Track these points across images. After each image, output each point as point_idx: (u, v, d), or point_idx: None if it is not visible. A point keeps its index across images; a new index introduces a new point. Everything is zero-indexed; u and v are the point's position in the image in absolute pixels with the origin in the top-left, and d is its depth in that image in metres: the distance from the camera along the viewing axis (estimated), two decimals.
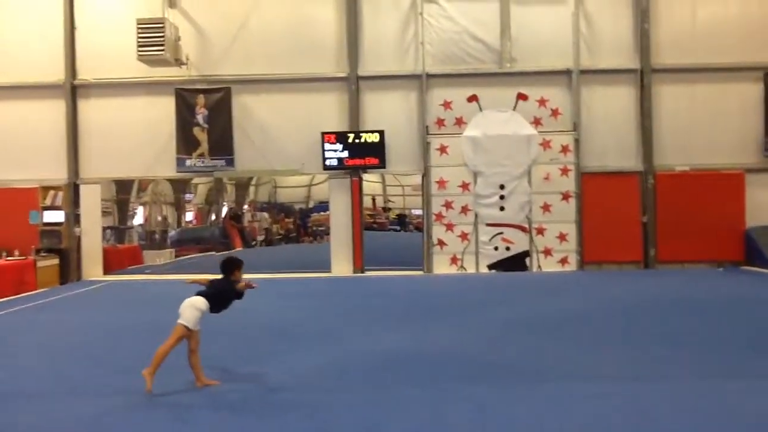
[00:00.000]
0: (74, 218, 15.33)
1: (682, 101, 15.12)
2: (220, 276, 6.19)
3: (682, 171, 14.98)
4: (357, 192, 15.19)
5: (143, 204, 22.26)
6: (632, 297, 10.95)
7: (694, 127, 15.04)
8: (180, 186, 22.56)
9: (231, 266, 6.17)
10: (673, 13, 15.16)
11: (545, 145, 14.96)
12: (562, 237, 14.89)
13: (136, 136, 15.26)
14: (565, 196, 14.94)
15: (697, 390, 5.54)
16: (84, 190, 15.44)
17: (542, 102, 15.10)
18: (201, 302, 5.95)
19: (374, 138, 14.93)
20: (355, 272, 14.99)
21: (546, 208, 14.91)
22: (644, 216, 14.91)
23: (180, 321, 5.89)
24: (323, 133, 14.93)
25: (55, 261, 14.44)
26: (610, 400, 5.27)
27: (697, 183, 14.82)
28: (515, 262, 14.90)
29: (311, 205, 28.33)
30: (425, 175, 15.18)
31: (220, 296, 6.07)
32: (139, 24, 14.26)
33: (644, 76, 15.02)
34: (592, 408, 5.10)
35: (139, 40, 14.22)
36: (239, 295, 6.14)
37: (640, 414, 4.93)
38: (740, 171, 14.92)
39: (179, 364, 6.12)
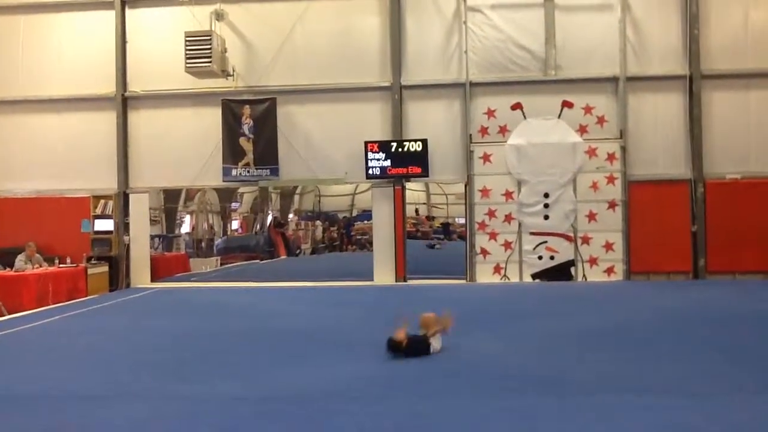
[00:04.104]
0: (123, 227, 15.74)
1: (732, 108, 14.76)
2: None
3: (733, 179, 14.60)
4: (400, 201, 15.22)
5: (190, 213, 22.71)
6: (681, 308, 10.66)
7: (745, 134, 14.67)
8: (226, 195, 22.95)
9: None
10: (724, 18, 14.84)
11: (591, 153, 14.77)
12: (608, 246, 14.65)
13: (183, 147, 15.62)
14: (611, 205, 14.70)
15: (749, 407, 5.37)
16: (133, 199, 15.86)
17: (588, 110, 14.91)
18: None
19: (417, 147, 14.96)
20: (397, 281, 15.00)
21: (592, 216, 14.70)
22: (694, 225, 14.57)
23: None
24: (366, 142, 15.02)
25: (105, 268, 14.81)
26: (660, 414, 5.14)
27: (748, 191, 14.44)
28: (560, 272, 14.71)
29: (355, 213, 28.46)
30: (468, 184, 15.13)
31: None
32: (187, 37, 14.62)
33: (693, 83, 14.71)
34: (640, 422, 4.98)
35: (187, 52, 14.57)
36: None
37: (689, 430, 4.81)
38: None
39: (222, 371, 6.20)
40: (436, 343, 7.38)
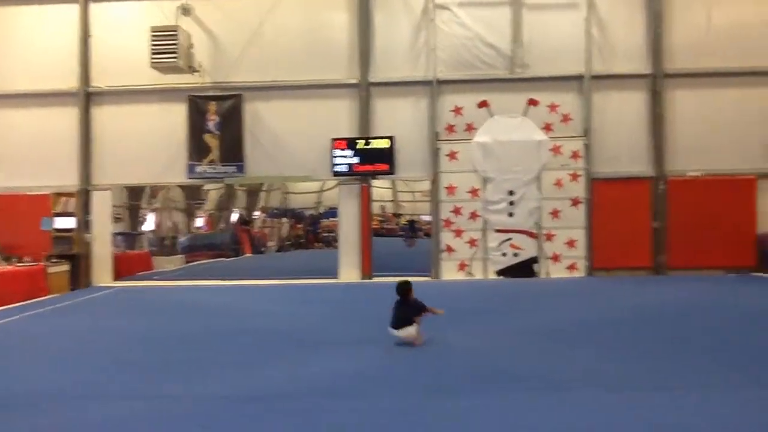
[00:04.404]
0: (85, 224, 15.53)
1: (694, 106, 15.02)
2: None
3: (694, 176, 14.86)
4: (366, 198, 15.24)
5: (154, 210, 22.50)
6: (642, 304, 10.83)
7: (706, 132, 14.92)
8: (191, 192, 22.78)
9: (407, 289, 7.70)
10: (687, 18, 15.08)
11: (555, 150, 14.92)
12: (571, 243, 14.84)
13: (147, 143, 15.44)
14: (575, 202, 14.88)
15: (711, 399, 5.48)
16: (95, 197, 15.65)
17: (553, 107, 15.06)
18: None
19: (384, 144, 14.98)
20: (363, 278, 15.02)
21: (555, 214, 14.86)
22: (655, 222, 14.80)
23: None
24: (333, 140, 15.00)
25: (66, 267, 14.55)
26: (625, 409, 5.23)
27: (708, 188, 14.72)
28: (523, 269, 14.86)
29: (321, 211, 28.41)
30: (434, 181, 15.19)
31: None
32: (152, 32, 14.47)
33: (657, 82, 14.93)
34: (605, 417, 5.07)
35: (153, 47, 14.42)
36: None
37: (653, 424, 4.91)
38: (752, 176, 14.77)
39: (193, 371, 6.16)
40: (412, 330, 7.50)
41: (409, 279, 7.92)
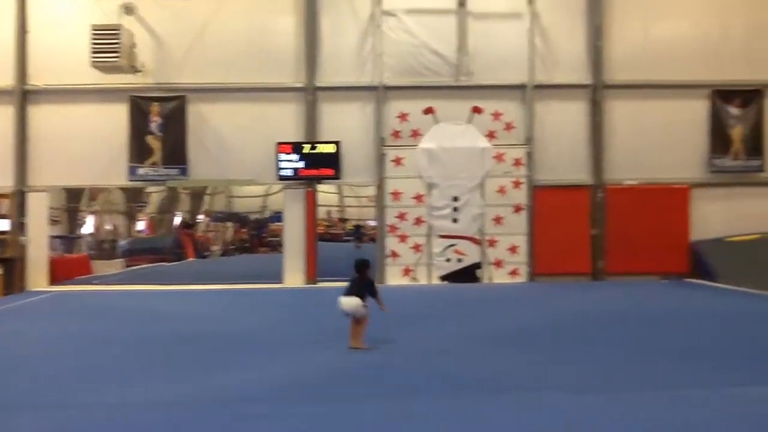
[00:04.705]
0: (20, 227, 15.04)
1: (632, 117, 15.46)
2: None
3: (631, 185, 15.32)
4: (311, 203, 15.21)
5: (94, 213, 21.98)
6: (580, 309, 11.14)
7: (643, 142, 15.38)
8: (132, 195, 22.32)
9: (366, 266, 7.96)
10: (625, 32, 15.53)
11: (499, 158, 15.18)
12: (513, 249, 15.11)
13: (87, 144, 15.04)
14: (517, 209, 15.16)
15: (651, 401, 5.65)
16: (31, 198, 15.17)
17: (497, 116, 15.31)
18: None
19: (330, 149, 14.98)
20: (307, 283, 14.98)
21: (498, 220, 15.12)
22: (594, 229, 15.20)
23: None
24: (279, 143, 14.93)
25: None
26: (561, 411, 5.36)
27: (644, 197, 15.19)
28: (467, 274, 15.06)
29: (267, 215, 28.21)
30: (380, 187, 15.27)
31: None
32: (93, 30, 14.16)
33: (597, 92, 15.34)
34: (543, 419, 5.18)
35: (93, 46, 14.11)
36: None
37: (588, 425, 5.05)
38: (686, 185, 15.32)
39: (130, 378, 6.05)
40: (359, 301, 7.59)
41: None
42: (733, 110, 15.37)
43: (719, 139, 15.37)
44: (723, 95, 15.40)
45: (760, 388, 5.96)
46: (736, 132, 15.35)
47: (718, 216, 15.23)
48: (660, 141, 15.36)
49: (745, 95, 15.39)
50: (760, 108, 15.38)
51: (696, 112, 15.44)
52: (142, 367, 7.17)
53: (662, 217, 15.07)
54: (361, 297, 7.63)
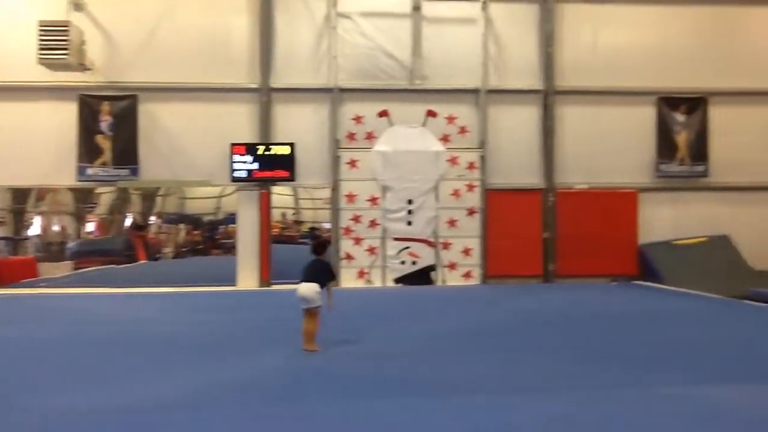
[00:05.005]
0: None
1: (582, 122, 15.80)
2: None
3: (581, 189, 15.65)
4: (266, 204, 15.11)
5: (41, 214, 21.40)
6: (532, 311, 11.34)
7: (593, 147, 15.72)
8: (82, 195, 21.80)
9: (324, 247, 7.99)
10: (576, 38, 15.85)
11: (453, 161, 15.33)
12: (466, 251, 15.28)
13: (34, 143, 14.61)
14: (471, 212, 15.34)
15: (595, 400, 5.77)
16: None
17: (451, 119, 15.46)
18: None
19: (284, 150, 14.91)
20: (261, 285, 14.87)
21: (452, 223, 15.27)
22: (545, 232, 15.47)
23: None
24: (232, 144, 14.79)
25: None
26: (514, 412, 5.44)
27: (594, 201, 15.53)
28: (421, 276, 15.18)
29: (221, 216, 27.86)
30: (335, 189, 15.26)
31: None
32: (41, 26, 13.75)
33: (548, 97, 15.62)
34: (495, 419, 5.26)
35: (41, 43, 13.71)
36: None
37: (542, 425, 5.12)
38: (634, 190, 15.72)
39: (72, 382, 5.90)
40: (317, 287, 7.49)
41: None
42: (679, 117, 15.85)
43: (666, 145, 15.82)
44: (669, 102, 15.86)
45: (695, 387, 6.14)
46: (682, 138, 15.83)
47: (665, 220, 15.73)
48: (609, 146, 15.72)
49: (690, 102, 15.87)
50: (704, 115, 15.88)
51: (644, 118, 15.87)
52: (77, 372, 6.98)
53: (611, 220, 15.44)
54: (319, 283, 7.51)
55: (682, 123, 15.87)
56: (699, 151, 15.88)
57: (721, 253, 15.38)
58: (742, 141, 15.93)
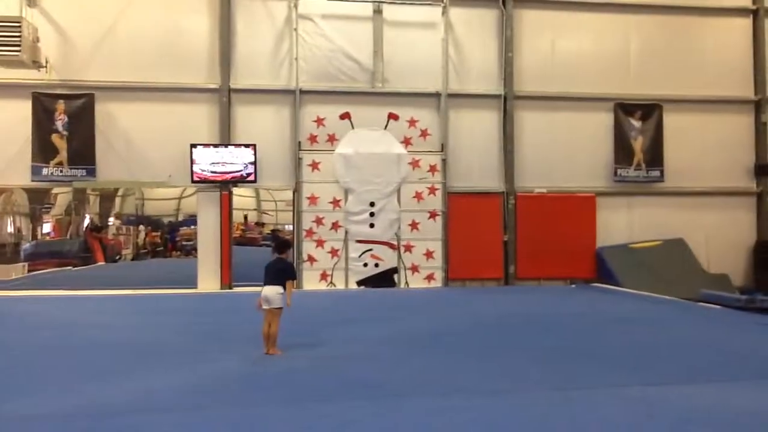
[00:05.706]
0: None
1: (541, 127, 16.05)
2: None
3: (540, 193, 15.87)
4: (226, 206, 14.93)
5: None
6: (492, 313, 11.42)
7: (552, 151, 15.99)
8: (37, 196, 21.27)
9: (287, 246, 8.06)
10: (534, 44, 16.12)
11: (414, 164, 15.39)
12: (428, 254, 15.34)
13: None
14: (432, 215, 15.41)
15: (548, 401, 5.82)
16: None
17: (412, 122, 15.53)
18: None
19: (246, 152, 14.75)
20: (222, 288, 14.68)
21: (414, 225, 15.31)
22: (505, 235, 15.64)
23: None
24: (192, 145, 14.58)
25: None
26: (467, 414, 5.43)
27: (553, 204, 15.77)
28: (383, 279, 15.18)
29: (180, 218, 27.46)
30: (296, 191, 15.16)
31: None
32: None
33: (507, 102, 15.81)
34: (448, 421, 5.24)
35: None
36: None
37: (493, 426, 5.14)
38: (592, 194, 16.01)
39: (18, 388, 5.71)
40: (280, 289, 7.46)
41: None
42: (635, 123, 16.21)
43: (623, 150, 16.17)
44: (625, 108, 16.21)
45: (652, 388, 6.24)
46: (638, 143, 16.20)
47: (622, 224, 16.09)
48: (568, 151, 16.01)
49: (645, 109, 16.25)
50: (659, 121, 16.27)
51: (601, 124, 16.19)
52: (24, 377, 6.75)
53: (570, 224, 15.69)
54: (282, 284, 7.48)
55: (638, 129, 16.24)
56: (655, 157, 16.26)
57: (676, 257, 15.77)
58: (696, 147, 16.39)
